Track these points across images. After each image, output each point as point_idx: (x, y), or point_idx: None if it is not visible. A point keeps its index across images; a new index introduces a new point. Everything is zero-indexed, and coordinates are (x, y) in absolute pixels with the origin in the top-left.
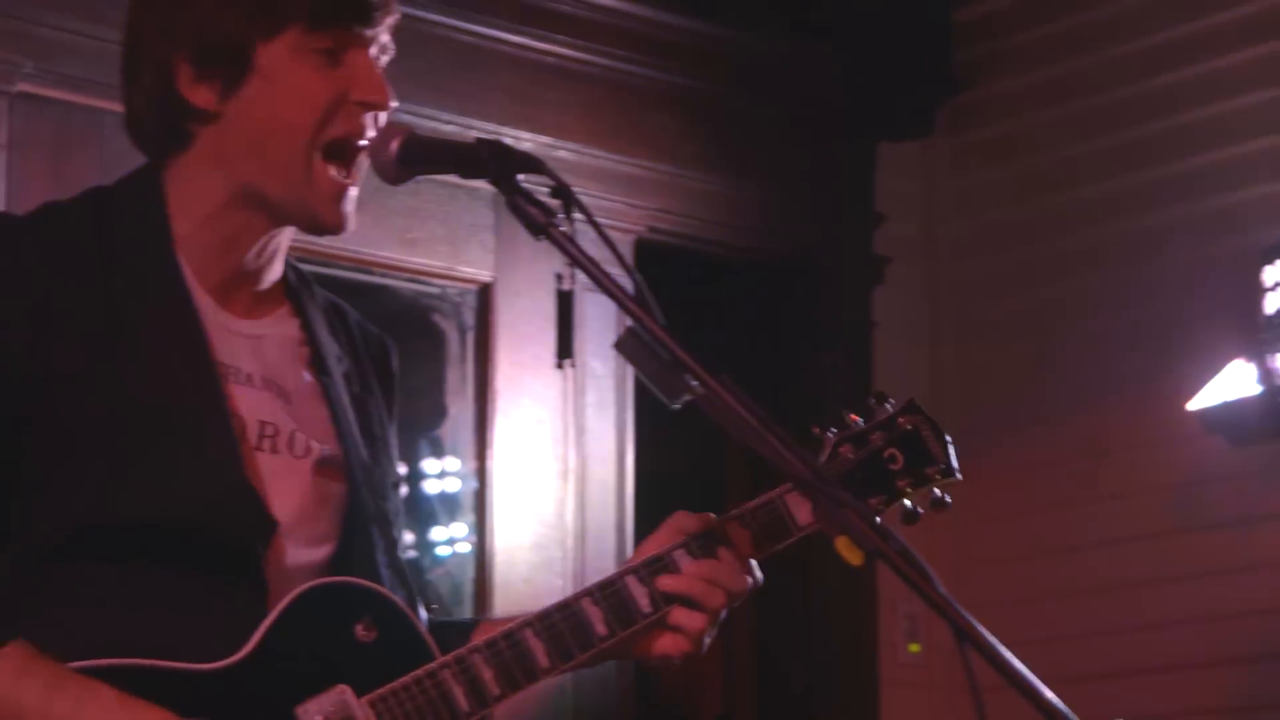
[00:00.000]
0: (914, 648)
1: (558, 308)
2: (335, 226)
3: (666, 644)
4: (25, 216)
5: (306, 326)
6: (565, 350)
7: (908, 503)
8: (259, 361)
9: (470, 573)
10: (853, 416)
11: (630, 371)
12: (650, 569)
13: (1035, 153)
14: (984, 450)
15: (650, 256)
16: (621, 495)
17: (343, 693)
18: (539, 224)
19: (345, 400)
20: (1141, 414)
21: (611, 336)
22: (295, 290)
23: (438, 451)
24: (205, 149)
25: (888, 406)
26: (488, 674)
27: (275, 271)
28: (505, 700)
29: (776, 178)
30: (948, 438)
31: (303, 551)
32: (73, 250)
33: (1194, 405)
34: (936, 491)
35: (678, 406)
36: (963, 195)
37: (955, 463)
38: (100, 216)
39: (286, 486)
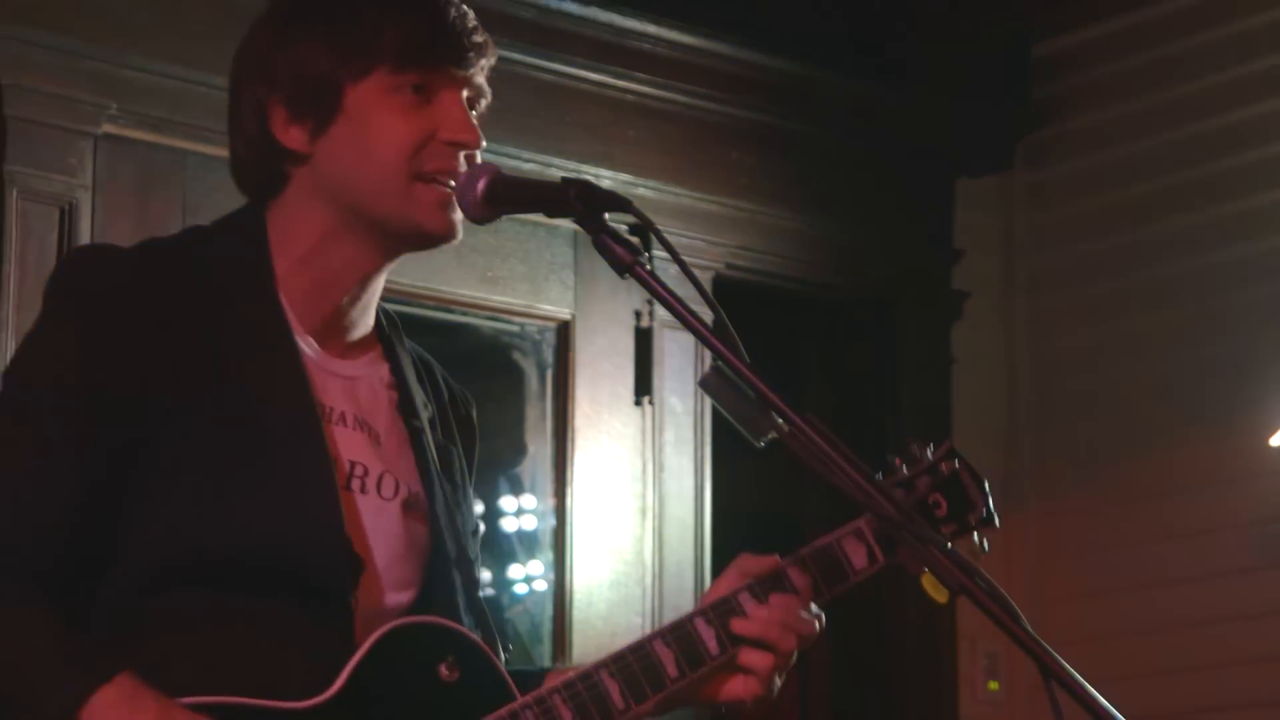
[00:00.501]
0: (993, 685)
1: (636, 345)
2: (442, 232)
3: (737, 687)
4: (130, 250)
5: (396, 371)
6: (644, 388)
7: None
8: (352, 402)
9: (548, 611)
10: (898, 461)
11: (709, 409)
12: (717, 611)
13: (1113, 187)
14: (1061, 486)
15: (728, 293)
16: (699, 533)
17: None
18: (625, 263)
19: (430, 448)
20: (1221, 449)
21: (690, 374)
22: (386, 335)
23: (516, 489)
24: (300, 189)
25: (929, 452)
26: (566, 714)
27: (370, 316)
28: None
29: (854, 213)
30: (985, 483)
31: (390, 592)
32: (176, 286)
33: (1276, 440)
34: (975, 538)
35: (763, 445)
36: (1040, 230)
37: (992, 510)
38: (203, 253)
39: (374, 527)
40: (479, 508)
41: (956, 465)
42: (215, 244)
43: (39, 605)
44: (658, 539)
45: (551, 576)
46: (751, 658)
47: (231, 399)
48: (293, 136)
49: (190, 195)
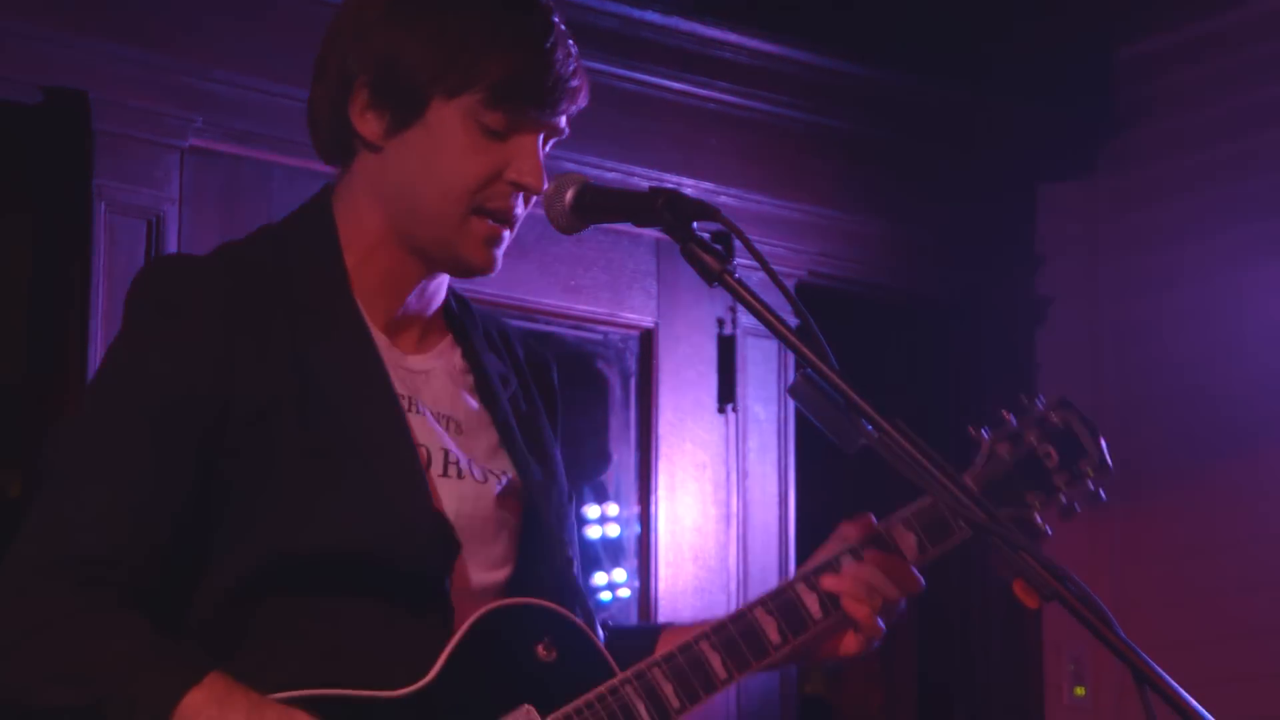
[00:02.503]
0: (1080, 691)
1: (720, 353)
2: (482, 268)
3: (841, 643)
4: (207, 256)
5: (469, 353)
6: (728, 395)
7: (1064, 498)
8: (432, 395)
9: (633, 618)
10: (1006, 414)
11: (793, 415)
12: (817, 574)
13: (1197, 191)
14: (1147, 489)
15: (811, 300)
16: (784, 539)
17: (528, 713)
18: (714, 271)
19: (513, 423)
20: None
21: (773, 380)
22: (457, 318)
23: (601, 497)
24: (365, 174)
25: (1039, 404)
26: (668, 688)
27: (436, 307)
28: (685, 712)
29: (937, 220)
30: (1099, 432)
31: (484, 574)
32: (254, 289)
33: None
34: (1090, 485)
35: (853, 452)
36: (1124, 235)
37: (1108, 456)
38: (279, 253)
39: (468, 511)
40: None
41: (1069, 416)
42: (290, 243)
43: (131, 611)
44: (742, 546)
45: (636, 584)
46: (851, 608)
47: (314, 398)
48: (368, 124)
49: (276, 207)
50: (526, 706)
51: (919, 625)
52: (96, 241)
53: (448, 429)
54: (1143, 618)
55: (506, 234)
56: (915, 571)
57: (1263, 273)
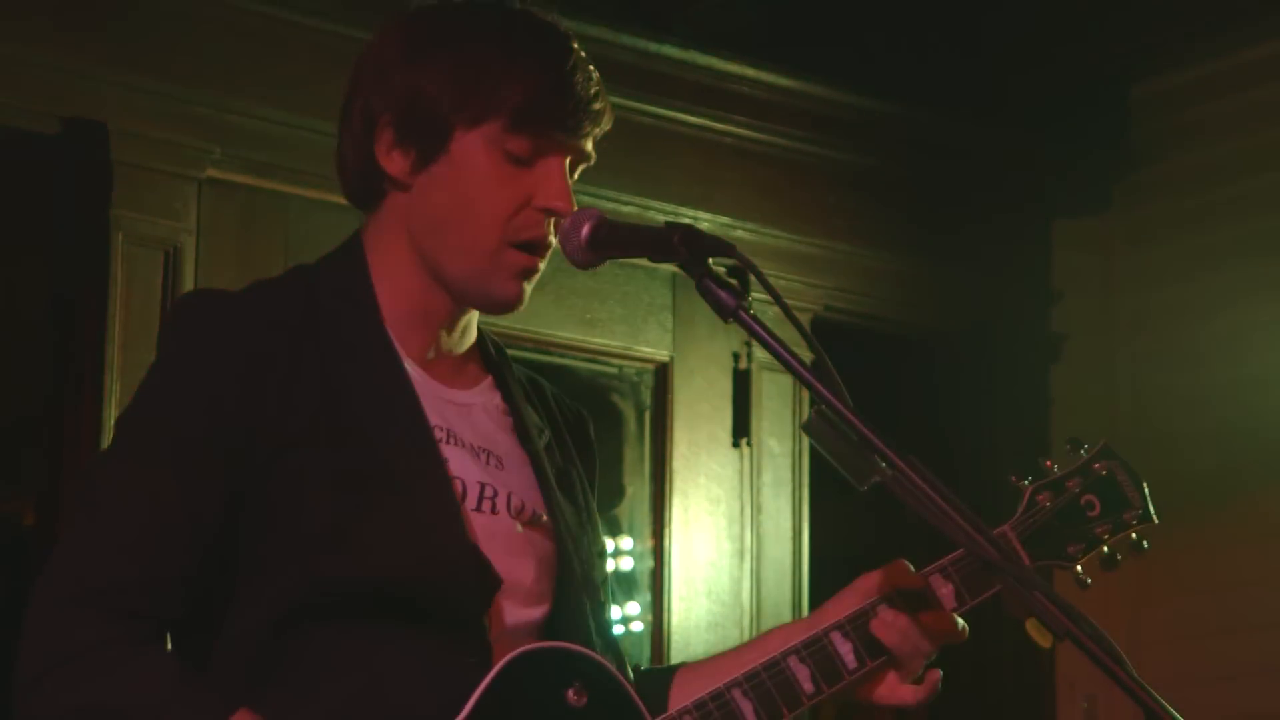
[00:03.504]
0: None
1: (735, 387)
2: (512, 302)
3: (903, 694)
4: (239, 291)
5: (509, 398)
6: (742, 429)
7: (1106, 549)
8: (471, 429)
9: (646, 652)
10: (1049, 463)
11: (807, 450)
12: (854, 623)
13: (1212, 227)
14: (1161, 527)
15: (827, 334)
16: (798, 575)
17: None
18: (729, 308)
19: (549, 468)
20: None
21: (788, 415)
22: (496, 363)
23: (614, 530)
24: (395, 212)
25: (1082, 452)
26: None
27: (469, 341)
28: None
29: (952, 255)
30: (1143, 482)
31: (521, 610)
32: (286, 324)
33: None
34: (1134, 536)
35: (866, 488)
36: (1139, 270)
37: (1151, 507)
38: (310, 288)
39: (507, 546)
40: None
41: (1113, 465)
42: (322, 279)
43: (155, 647)
44: (755, 580)
45: (649, 618)
46: (904, 657)
47: (347, 429)
48: (394, 162)
49: (293, 238)
50: None
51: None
52: (114, 271)
53: (487, 463)
54: (1156, 655)
55: (540, 266)
56: (956, 618)
57: (1277, 308)
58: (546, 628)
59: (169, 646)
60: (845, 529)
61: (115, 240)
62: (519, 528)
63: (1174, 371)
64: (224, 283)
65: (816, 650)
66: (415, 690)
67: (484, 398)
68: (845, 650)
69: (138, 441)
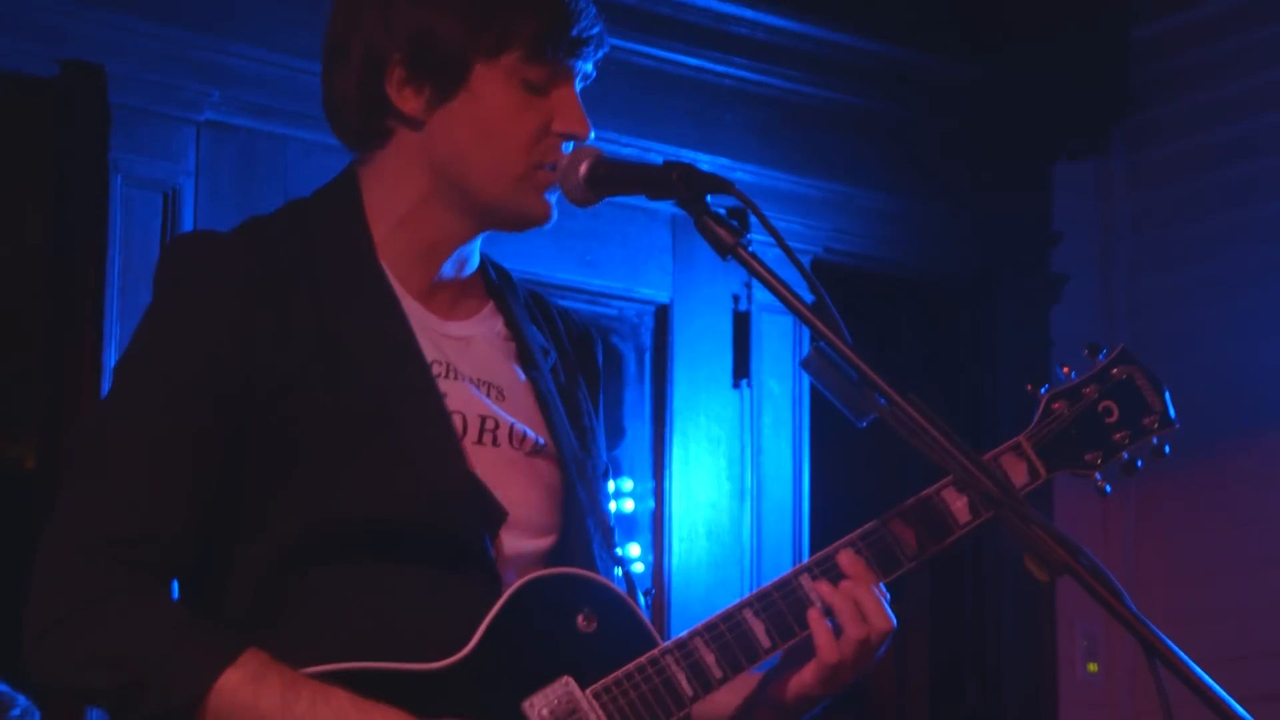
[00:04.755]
0: (1092, 667)
1: (734, 328)
2: (543, 218)
3: None
4: (231, 232)
5: (511, 323)
6: (742, 370)
7: (1126, 455)
8: (470, 361)
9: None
10: (1065, 369)
11: (807, 391)
12: (866, 537)
13: (1212, 169)
14: (1160, 467)
15: (826, 276)
16: (798, 515)
17: (567, 684)
18: (728, 245)
19: (554, 393)
20: None
21: (788, 356)
22: (497, 288)
23: (615, 472)
24: (404, 149)
25: (1100, 358)
26: (710, 657)
27: (470, 273)
28: (727, 682)
29: (952, 197)
30: (1164, 386)
31: (527, 541)
32: (278, 262)
33: None
34: (1155, 441)
35: (865, 425)
36: (1139, 213)
37: (1173, 410)
38: (302, 226)
39: (511, 478)
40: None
41: (1132, 370)
42: (315, 215)
43: (163, 595)
44: (756, 521)
45: (650, 559)
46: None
47: (343, 367)
48: (408, 100)
49: (292, 181)
50: (565, 678)
51: (931, 602)
52: (113, 215)
53: (488, 395)
54: (1155, 594)
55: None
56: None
57: (1278, 251)
58: (554, 556)
59: (176, 593)
60: (845, 469)
61: (114, 183)
62: (524, 457)
63: (1173, 313)
64: (223, 225)
65: (829, 568)
66: (424, 622)
67: (484, 327)
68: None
69: (135, 390)
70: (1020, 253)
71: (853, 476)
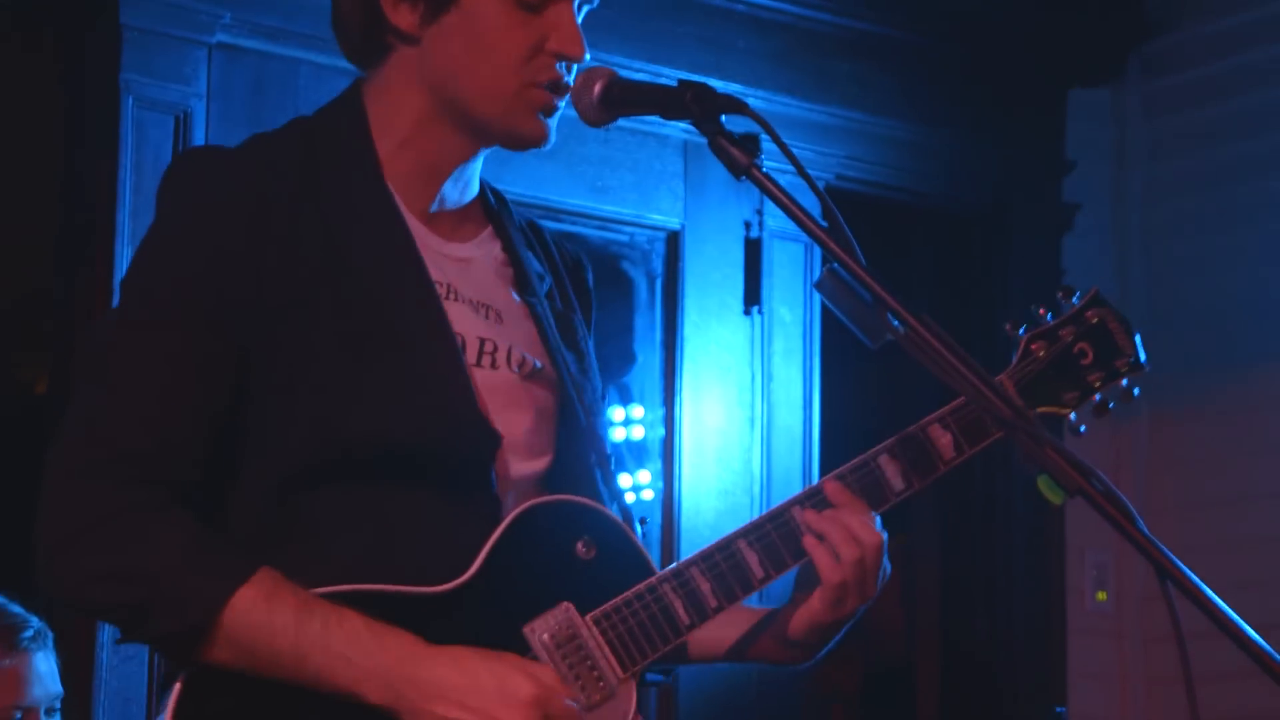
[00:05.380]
0: (1102, 596)
1: (746, 255)
2: (537, 138)
3: None
4: (236, 148)
5: (509, 248)
6: (753, 297)
7: (1098, 396)
8: (470, 283)
9: (657, 519)
10: (1041, 310)
11: (818, 319)
12: (854, 471)
13: (1227, 97)
14: (1173, 396)
15: (838, 204)
16: (808, 443)
17: (567, 610)
18: (742, 165)
19: (550, 318)
20: None
21: (799, 283)
22: (495, 212)
23: (625, 399)
24: (403, 66)
25: (1074, 300)
26: (705, 586)
27: (470, 195)
28: (722, 611)
29: (965, 124)
30: (1134, 329)
31: (523, 464)
32: (284, 178)
33: None
34: (1125, 383)
35: (878, 347)
36: (1153, 141)
37: (1143, 354)
38: (307, 144)
39: (507, 400)
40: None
41: (1104, 313)
42: (320, 133)
43: (176, 511)
44: (765, 448)
45: (660, 486)
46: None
47: (349, 286)
48: (402, 16)
49: (303, 103)
50: (565, 604)
51: (941, 532)
52: (124, 137)
53: (486, 317)
54: (1166, 524)
55: (560, 104)
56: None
57: None
58: (548, 480)
59: (188, 510)
60: (856, 397)
61: (125, 105)
62: (521, 381)
63: (1185, 241)
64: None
65: (819, 499)
66: (426, 544)
67: (483, 250)
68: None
69: (144, 303)
70: (1033, 181)
71: (862, 405)
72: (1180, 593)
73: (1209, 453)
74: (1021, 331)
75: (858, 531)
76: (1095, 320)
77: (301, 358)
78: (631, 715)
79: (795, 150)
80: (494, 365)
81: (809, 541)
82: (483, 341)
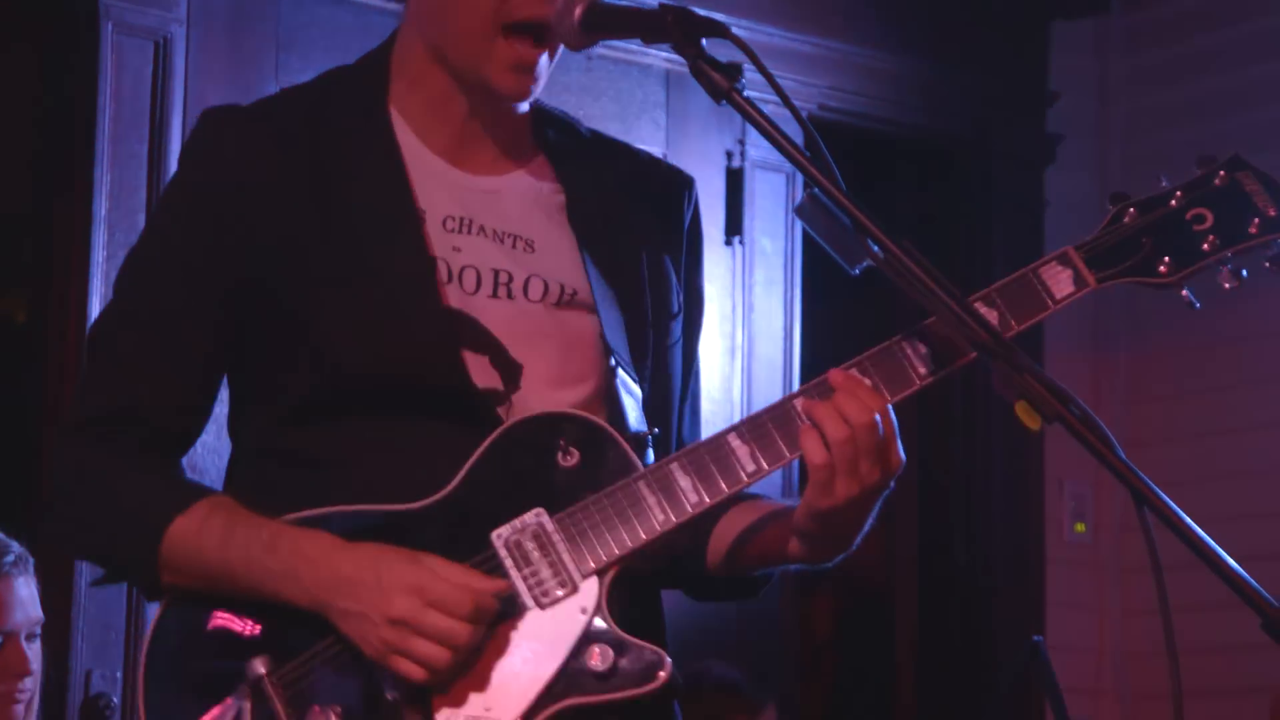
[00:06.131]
0: (1080, 527)
1: (727, 185)
2: (509, 93)
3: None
4: (251, 106)
5: (564, 174)
6: (734, 227)
7: (1228, 265)
8: (497, 214)
9: None
10: (1160, 180)
11: (799, 249)
12: (873, 358)
13: (1210, 29)
14: (1152, 329)
15: (821, 134)
16: (788, 373)
17: (538, 514)
18: (723, 88)
19: (601, 245)
20: None
21: (781, 214)
22: (552, 140)
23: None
24: (410, 7)
25: (1199, 167)
26: (686, 481)
27: (511, 128)
28: (703, 506)
29: (949, 56)
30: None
31: (555, 393)
32: (289, 132)
33: None
34: (1266, 248)
35: (857, 272)
36: (1136, 73)
37: None
38: (325, 91)
39: (530, 330)
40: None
41: (1240, 175)
42: (344, 78)
43: (144, 459)
44: (746, 378)
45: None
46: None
47: (340, 222)
48: None
49: (284, 30)
50: (538, 509)
51: (919, 464)
52: (103, 63)
53: (514, 247)
54: (1145, 456)
55: (542, 59)
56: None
57: (1272, 113)
58: (587, 407)
59: (165, 456)
60: (836, 328)
61: (104, 30)
62: (540, 309)
63: (1168, 174)
64: (214, 74)
65: (821, 389)
66: (422, 471)
67: (522, 181)
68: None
69: (143, 264)
70: (1016, 112)
71: (843, 336)
72: (1158, 519)
73: (1189, 386)
74: (1119, 205)
75: (847, 411)
76: (1225, 183)
77: (298, 296)
78: (592, 612)
79: (778, 80)
80: (510, 296)
81: (802, 428)
82: (497, 274)
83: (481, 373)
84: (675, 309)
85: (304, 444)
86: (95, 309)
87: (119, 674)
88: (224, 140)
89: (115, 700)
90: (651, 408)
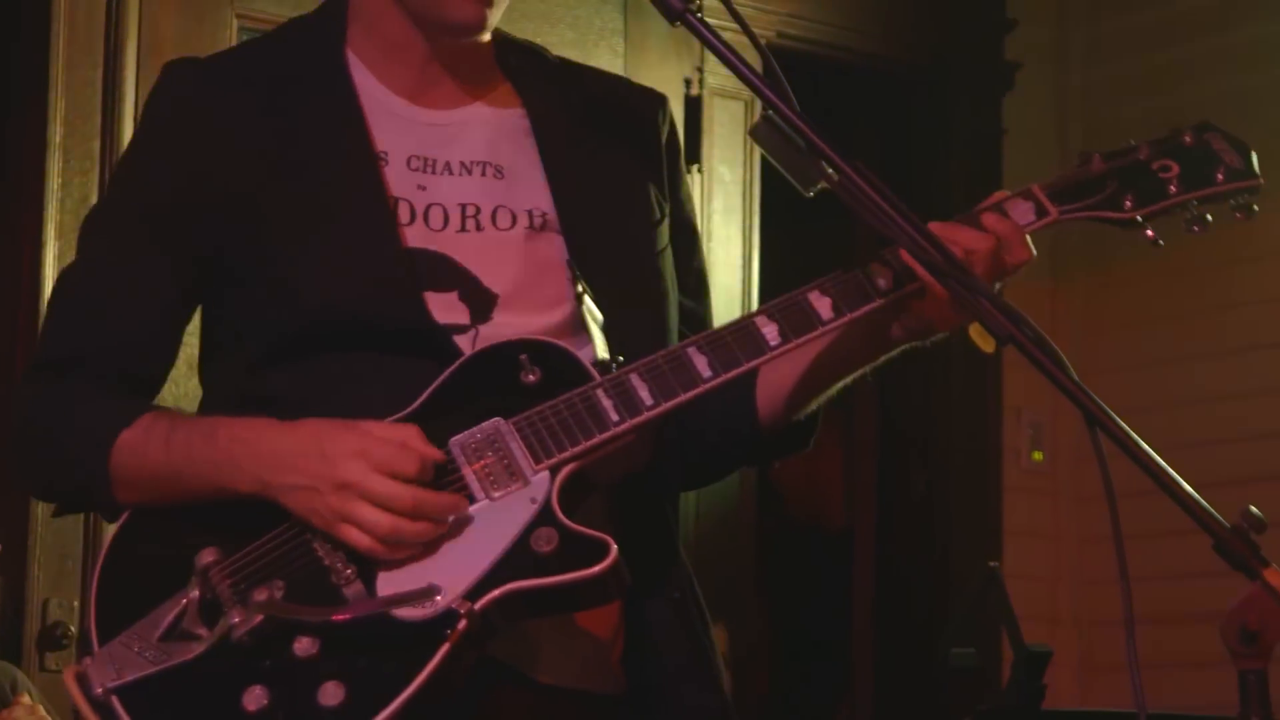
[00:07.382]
0: (1037, 455)
1: (686, 113)
2: (467, 24)
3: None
4: (211, 58)
5: (530, 101)
6: (693, 156)
7: (1193, 209)
8: (462, 148)
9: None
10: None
11: (758, 177)
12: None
13: None
14: (1109, 258)
15: (779, 62)
16: (747, 302)
17: (496, 423)
18: (676, 10)
19: (572, 167)
20: (1273, 223)
21: (739, 142)
22: (518, 70)
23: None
24: None
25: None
26: (643, 388)
27: (474, 64)
28: (658, 409)
29: None
30: (1250, 150)
31: (531, 318)
32: (249, 80)
33: None
34: (1227, 197)
35: (812, 195)
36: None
37: (1255, 167)
38: (285, 38)
39: (500, 258)
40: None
41: (1208, 135)
42: (304, 25)
43: (94, 392)
44: None
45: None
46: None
47: (298, 166)
48: None
49: None
50: (496, 419)
51: (879, 391)
52: (55, 13)
53: (483, 175)
54: (1103, 384)
55: None
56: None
57: (1235, 38)
58: (564, 329)
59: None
60: (794, 256)
61: None
62: (512, 237)
63: (1127, 102)
64: (167, 6)
65: (788, 305)
66: (388, 402)
67: (480, 112)
68: (822, 306)
69: (108, 212)
70: (974, 39)
71: (802, 265)
72: (1110, 441)
73: (1145, 315)
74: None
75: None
76: (1193, 141)
77: (262, 245)
78: (541, 503)
79: (735, 6)
80: (479, 228)
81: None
82: (464, 207)
83: (447, 309)
84: (658, 216)
85: (270, 386)
86: (50, 235)
87: (76, 603)
88: (185, 91)
89: (73, 629)
90: (639, 318)
